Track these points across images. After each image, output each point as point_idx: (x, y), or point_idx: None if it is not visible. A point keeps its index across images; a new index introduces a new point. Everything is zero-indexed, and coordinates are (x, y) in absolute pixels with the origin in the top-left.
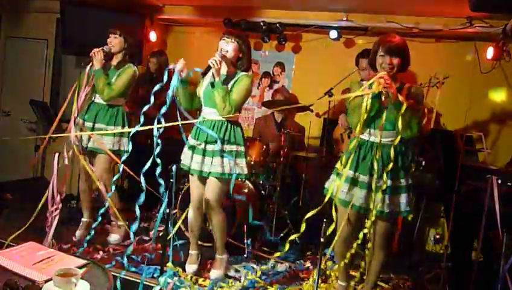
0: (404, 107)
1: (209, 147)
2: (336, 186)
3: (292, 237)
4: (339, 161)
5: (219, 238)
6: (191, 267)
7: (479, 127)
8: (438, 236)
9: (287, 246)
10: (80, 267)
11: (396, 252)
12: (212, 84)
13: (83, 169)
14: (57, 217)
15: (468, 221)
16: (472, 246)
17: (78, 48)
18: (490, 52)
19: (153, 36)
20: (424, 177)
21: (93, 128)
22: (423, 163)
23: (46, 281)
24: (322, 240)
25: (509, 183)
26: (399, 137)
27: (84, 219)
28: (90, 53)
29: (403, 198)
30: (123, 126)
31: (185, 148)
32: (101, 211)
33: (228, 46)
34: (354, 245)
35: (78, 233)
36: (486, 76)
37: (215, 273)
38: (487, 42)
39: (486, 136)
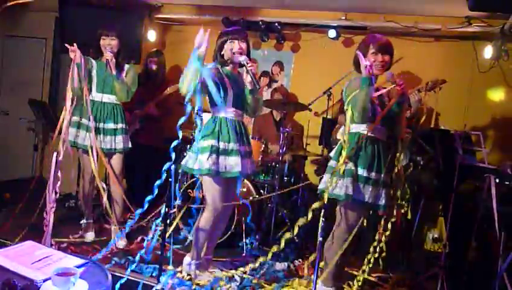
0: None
1: (247, 148)
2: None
3: (286, 237)
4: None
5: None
6: (208, 275)
7: (477, 126)
8: (436, 235)
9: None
10: (79, 267)
11: (394, 251)
12: (252, 90)
13: (88, 170)
14: (52, 216)
15: (466, 220)
16: (470, 245)
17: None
18: (488, 52)
19: (151, 35)
20: (422, 176)
21: (103, 128)
22: (421, 162)
23: (44, 281)
24: (320, 239)
25: (507, 182)
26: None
27: (89, 221)
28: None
29: (388, 193)
30: (124, 122)
31: (209, 154)
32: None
33: (242, 47)
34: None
35: (89, 234)
36: (484, 75)
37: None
38: (485, 42)
39: (485, 135)
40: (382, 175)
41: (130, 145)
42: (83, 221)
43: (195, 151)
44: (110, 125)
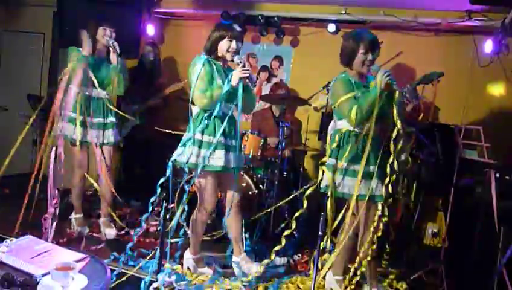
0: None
1: (234, 142)
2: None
3: (287, 233)
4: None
5: (240, 234)
6: (207, 270)
7: (477, 121)
8: (435, 230)
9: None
10: (78, 261)
11: (393, 246)
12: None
13: (79, 165)
14: (51, 212)
15: (466, 215)
16: (470, 240)
17: (76, 42)
18: (489, 46)
19: (150, 29)
20: (422, 171)
21: (94, 123)
22: (421, 157)
23: (43, 275)
24: (320, 233)
25: (507, 177)
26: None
27: (80, 215)
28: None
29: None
30: (114, 116)
31: (192, 147)
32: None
33: (238, 47)
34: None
35: (84, 229)
36: (484, 70)
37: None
38: (486, 36)
39: (485, 130)
40: (371, 167)
41: (118, 138)
42: (73, 216)
43: (183, 144)
44: (101, 120)
